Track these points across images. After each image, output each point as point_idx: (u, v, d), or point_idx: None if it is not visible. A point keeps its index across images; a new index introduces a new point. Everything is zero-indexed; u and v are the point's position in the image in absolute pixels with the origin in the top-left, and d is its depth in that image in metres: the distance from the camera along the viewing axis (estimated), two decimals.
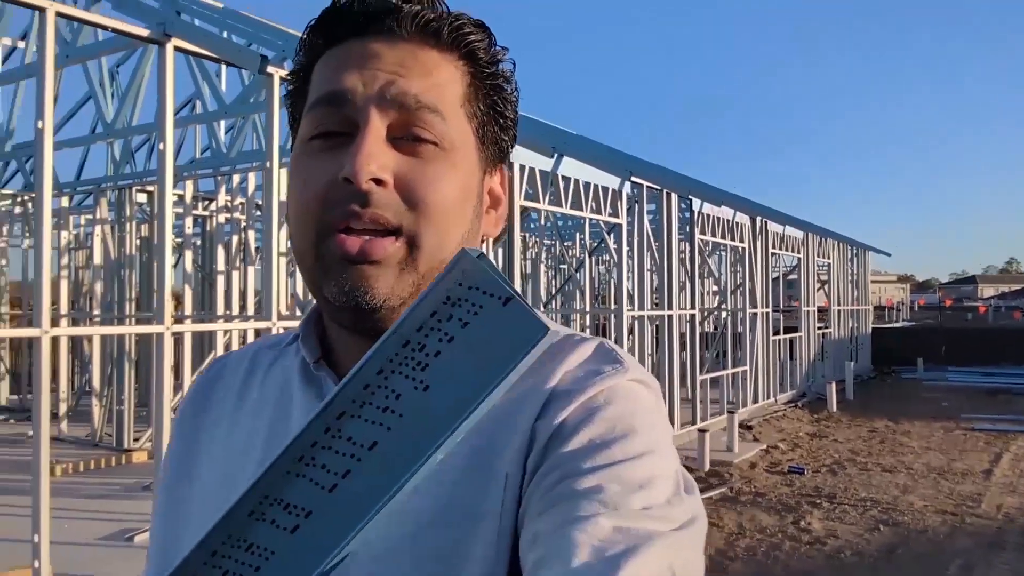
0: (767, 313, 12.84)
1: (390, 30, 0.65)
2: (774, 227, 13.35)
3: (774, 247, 13.51)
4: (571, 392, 0.62)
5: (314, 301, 0.71)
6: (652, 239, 9.69)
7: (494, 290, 0.48)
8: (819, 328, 16.11)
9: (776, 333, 13.71)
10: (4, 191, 10.47)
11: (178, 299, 10.41)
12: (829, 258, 16.87)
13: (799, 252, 14.94)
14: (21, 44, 8.57)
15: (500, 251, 7.65)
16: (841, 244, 17.92)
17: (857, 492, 7.47)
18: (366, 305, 0.63)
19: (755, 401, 12.21)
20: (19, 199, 10.67)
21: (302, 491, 0.48)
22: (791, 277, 16.46)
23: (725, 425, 9.47)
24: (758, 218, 12.57)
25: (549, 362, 0.64)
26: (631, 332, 9.49)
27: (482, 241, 0.74)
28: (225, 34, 6.56)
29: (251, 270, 8.64)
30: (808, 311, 15.11)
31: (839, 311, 17.59)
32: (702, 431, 8.54)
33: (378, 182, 0.62)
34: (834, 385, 13.27)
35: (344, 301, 0.63)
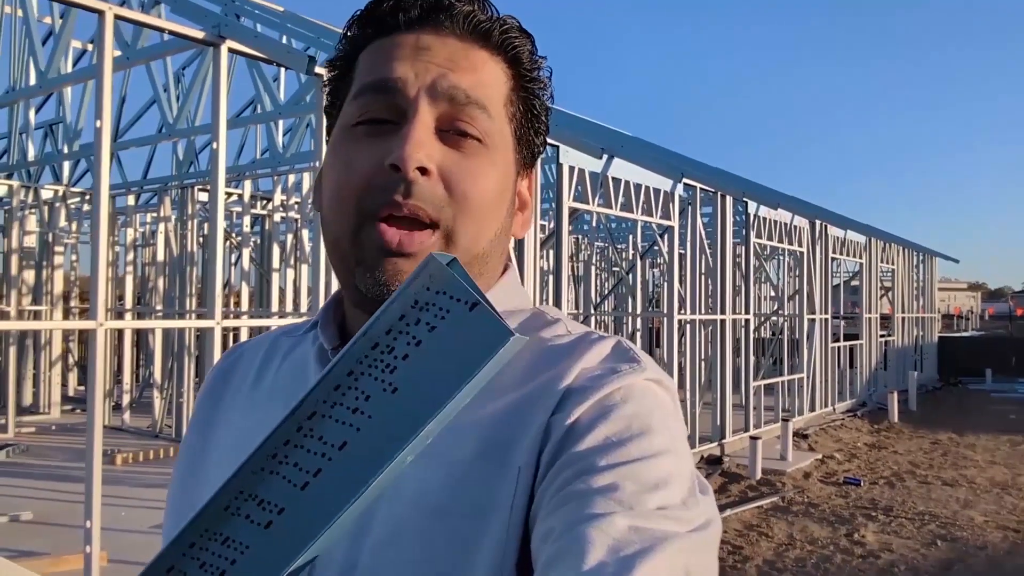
0: (826, 319, 12.53)
1: (441, 25, 0.66)
2: (834, 231, 13.03)
3: (834, 252, 13.18)
4: (587, 389, 0.61)
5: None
6: (706, 242, 9.55)
7: (461, 295, 0.48)
8: (882, 336, 15.67)
9: (836, 340, 13.38)
10: (74, 189, 10.88)
11: (237, 296, 10.69)
12: (893, 264, 16.39)
13: (861, 257, 14.55)
14: (91, 47, 8.93)
15: (550, 253, 7.65)
16: (906, 249, 17.40)
17: (915, 506, 7.24)
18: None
19: (812, 409, 11.93)
20: (88, 197, 11.08)
21: (275, 488, 0.49)
22: (854, 283, 16.04)
23: (779, 433, 9.28)
24: (817, 222, 12.28)
25: (565, 359, 0.64)
26: (682, 336, 9.38)
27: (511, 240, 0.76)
28: (284, 38, 6.72)
29: (304, 267, 8.81)
30: (870, 318, 14.71)
31: (903, 319, 17.07)
32: (754, 438, 8.38)
33: (423, 171, 0.62)
34: (896, 395, 12.89)
35: (377, 293, 0.63)
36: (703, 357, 10.48)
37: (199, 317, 9.54)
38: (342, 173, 0.65)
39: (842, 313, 14.85)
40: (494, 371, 0.48)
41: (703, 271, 9.54)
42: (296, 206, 9.19)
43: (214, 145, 4.37)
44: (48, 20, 8.21)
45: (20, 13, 7.68)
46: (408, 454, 0.48)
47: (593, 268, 14.75)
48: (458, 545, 0.58)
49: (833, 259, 13.21)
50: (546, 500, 0.57)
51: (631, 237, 13.04)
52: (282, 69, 8.34)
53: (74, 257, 12.31)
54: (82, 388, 12.53)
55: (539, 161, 0.79)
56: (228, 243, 10.46)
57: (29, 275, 10.65)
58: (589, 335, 0.68)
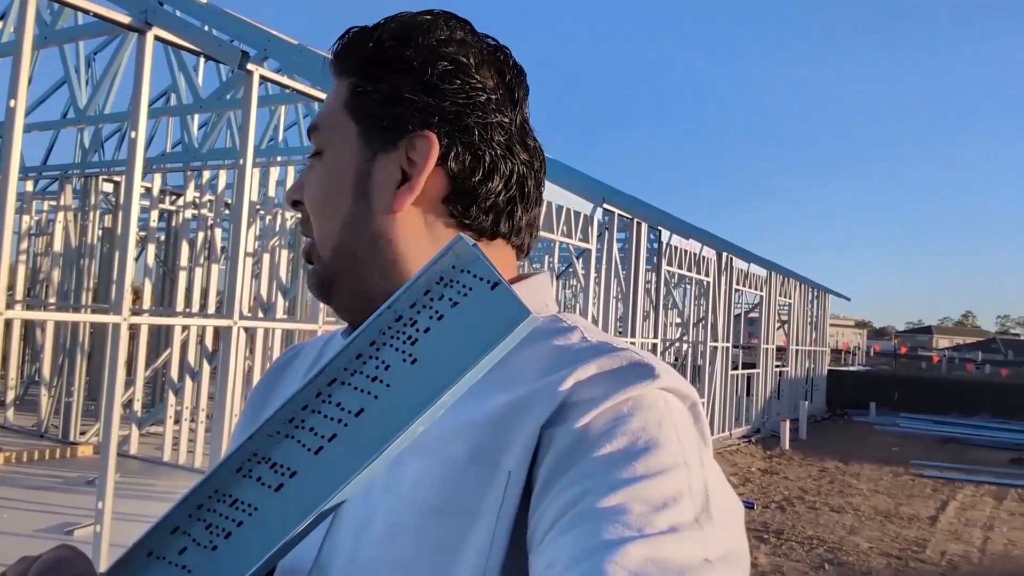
0: (727, 348, 13.00)
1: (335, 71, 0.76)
2: (739, 264, 13.57)
3: (738, 283, 13.72)
4: (593, 400, 0.59)
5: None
6: (620, 267, 9.79)
7: (484, 274, 0.51)
8: (777, 366, 16.35)
9: (735, 368, 13.89)
10: None
11: (137, 294, 10.24)
12: (790, 298, 17.15)
13: (762, 290, 15.18)
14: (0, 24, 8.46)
15: None
16: (803, 285, 18.24)
17: (804, 530, 7.56)
18: (314, 296, 0.76)
19: (711, 434, 12.31)
20: None
21: (289, 451, 0.50)
22: (752, 315, 16.71)
23: None
24: (724, 254, 12.77)
25: (570, 364, 0.62)
26: None
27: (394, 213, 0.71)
28: (207, 28, 6.53)
29: (214, 268, 8.55)
30: (767, 349, 15.33)
31: (797, 351, 17.86)
32: None
33: (297, 204, 0.75)
34: (788, 423, 13.45)
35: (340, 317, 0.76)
36: None
37: (95, 312, 9.10)
38: None
39: (742, 343, 15.42)
40: (509, 348, 0.50)
41: (615, 295, 9.75)
42: (210, 204, 8.92)
43: (132, 134, 4.21)
44: None
45: None
46: (421, 424, 0.50)
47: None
48: (447, 545, 0.59)
49: (736, 290, 13.74)
50: (548, 520, 0.55)
51: (547, 258, 13.23)
52: (201, 61, 8.10)
53: None
54: None
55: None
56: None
57: None
58: (604, 344, 0.65)
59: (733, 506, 0.58)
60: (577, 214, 8.24)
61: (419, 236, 0.70)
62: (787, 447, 12.96)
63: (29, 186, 10.50)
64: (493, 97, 0.71)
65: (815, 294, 19.70)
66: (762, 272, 15.04)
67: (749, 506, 8.31)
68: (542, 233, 7.69)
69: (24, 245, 10.74)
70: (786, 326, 17.51)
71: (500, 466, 0.59)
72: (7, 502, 5.54)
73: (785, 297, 16.84)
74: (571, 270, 9.53)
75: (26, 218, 10.68)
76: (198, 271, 9.59)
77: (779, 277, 16.09)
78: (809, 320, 19.18)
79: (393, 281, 0.68)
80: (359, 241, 0.70)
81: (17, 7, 3.64)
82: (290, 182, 8.99)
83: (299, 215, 0.76)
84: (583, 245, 8.52)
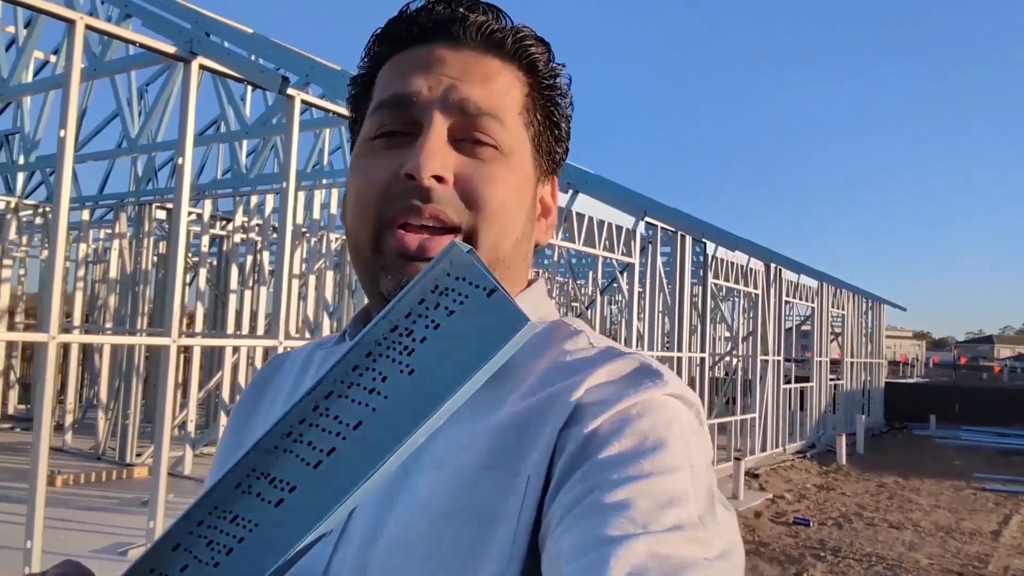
0: (778, 361, 12.76)
1: (455, 37, 0.68)
2: (789, 275, 13.33)
3: (788, 295, 13.47)
4: (604, 402, 0.60)
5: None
6: (665, 280, 9.70)
7: (480, 281, 0.49)
8: (831, 379, 15.98)
9: (788, 382, 13.60)
10: (27, 201, 10.62)
11: (191, 318, 10.48)
12: (844, 309, 16.78)
13: (813, 302, 14.88)
14: (53, 58, 8.79)
15: None
16: (856, 296, 17.84)
17: (862, 547, 7.34)
18: None
19: (763, 449, 12.08)
20: (41, 210, 10.82)
21: (288, 466, 0.49)
22: (805, 327, 16.36)
23: (731, 472, 9.37)
24: (772, 265, 12.56)
25: (583, 371, 0.63)
26: None
27: (535, 247, 0.76)
28: (253, 58, 6.70)
29: (263, 291, 8.71)
30: (820, 361, 15.00)
31: (852, 363, 17.44)
32: None
33: (439, 179, 0.64)
34: (844, 438, 13.12)
35: None
36: None
37: (149, 336, 9.32)
38: (361, 184, 0.67)
39: (794, 356, 15.12)
40: (508, 355, 0.49)
41: (661, 309, 9.65)
42: (257, 228, 9.10)
43: (179, 160, 4.32)
44: (11, 29, 8.08)
45: None
46: (421, 435, 0.49)
47: (553, 303, 14.83)
48: (464, 551, 0.58)
49: (786, 302, 13.49)
50: (558, 516, 0.56)
51: (591, 273, 13.19)
52: (248, 90, 8.31)
53: (22, 271, 11.97)
54: (22, 407, 12.10)
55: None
56: (185, 263, 10.27)
57: None
58: (611, 349, 0.67)
59: (730, 508, 0.60)
60: (619, 228, 8.19)
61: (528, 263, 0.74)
62: (844, 462, 12.63)
63: (86, 215, 10.85)
64: None
65: (869, 305, 19.24)
66: (813, 283, 14.75)
67: (804, 523, 8.10)
68: (584, 248, 7.66)
69: (82, 272, 11.08)
70: (840, 338, 17.12)
71: (519, 471, 0.59)
72: (64, 523, 5.68)
73: (838, 308, 16.48)
74: (615, 285, 9.47)
75: (83, 246, 11.01)
76: (247, 294, 9.77)
77: (831, 288, 15.76)
78: (864, 332, 18.73)
79: None
80: (516, 257, 0.70)
81: (67, 40, 3.76)
82: (335, 205, 9.13)
83: (431, 189, 0.64)
84: (626, 259, 8.47)
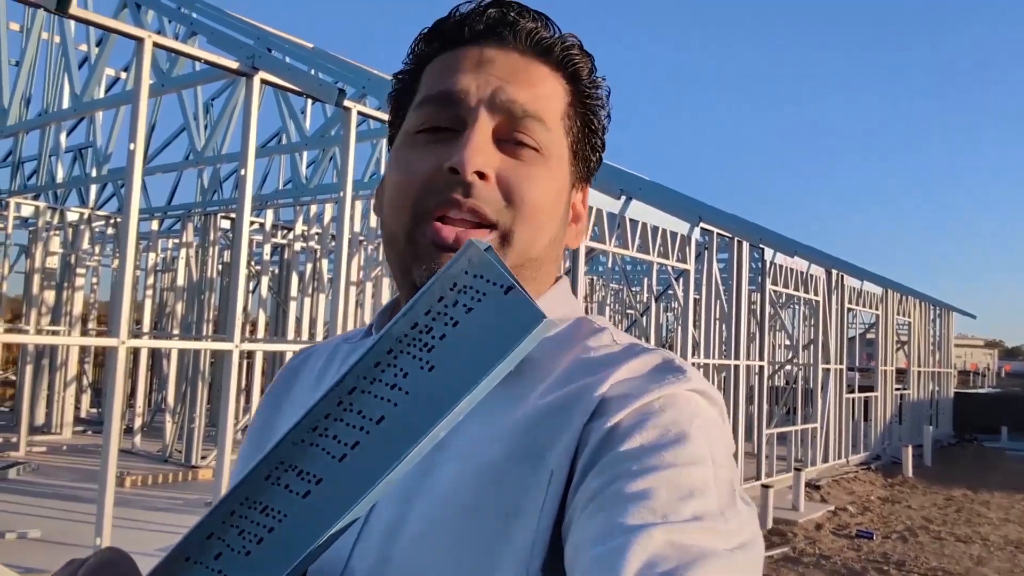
0: (841, 370, 12.43)
1: (505, 40, 0.69)
2: (851, 282, 12.99)
3: (851, 302, 13.12)
4: (627, 397, 0.61)
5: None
6: (722, 287, 9.56)
7: (497, 279, 0.51)
8: (897, 389, 15.50)
9: (851, 392, 13.24)
10: (100, 212, 11.05)
11: (253, 325, 10.76)
12: (910, 317, 16.27)
13: (877, 309, 14.47)
14: (123, 75, 9.15)
15: None
16: (923, 303, 17.29)
17: (928, 561, 7.10)
18: None
19: (825, 460, 11.77)
20: (113, 221, 11.24)
21: (315, 459, 0.51)
22: (869, 336, 15.92)
23: (791, 483, 9.16)
24: (833, 271, 12.26)
25: (607, 367, 0.64)
26: None
27: (565, 250, 0.78)
28: (313, 72, 6.87)
29: (322, 298, 8.89)
30: (885, 370, 14.57)
31: (919, 372, 16.90)
32: (765, 487, 8.28)
33: (481, 176, 0.65)
34: (910, 449, 12.71)
35: None
36: None
37: (213, 342, 9.59)
38: (402, 175, 0.68)
39: (857, 365, 14.72)
40: (525, 352, 0.50)
41: (717, 316, 9.51)
42: (316, 236, 9.30)
43: (242, 171, 4.46)
44: (84, 47, 8.44)
45: (57, 39, 7.91)
46: (441, 430, 0.50)
47: (608, 309, 14.75)
48: (487, 545, 0.58)
49: (849, 310, 13.14)
50: (580, 506, 0.57)
51: (646, 280, 13.09)
52: (308, 103, 8.51)
53: (95, 280, 12.45)
54: (94, 410, 12.57)
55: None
56: (248, 271, 10.55)
57: (49, 296, 10.77)
58: (635, 346, 0.68)
59: (751, 504, 0.60)
60: (674, 234, 8.11)
61: (558, 264, 0.76)
62: (910, 474, 12.23)
63: (155, 225, 11.24)
64: None
65: (937, 312, 18.61)
66: (877, 290, 14.34)
67: (868, 536, 7.87)
68: (638, 255, 7.61)
69: (151, 280, 11.47)
70: (906, 347, 16.61)
71: (542, 466, 0.60)
72: (132, 523, 5.87)
73: (904, 316, 15.98)
74: (671, 292, 9.37)
75: (152, 255, 11.40)
76: (307, 301, 9.98)
77: (896, 295, 15.30)
78: (932, 340, 18.12)
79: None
80: (547, 258, 0.72)
81: (135, 56, 3.92)
82: None
83: (473, 184, 0.65)
84: (681, 266, 8.37)
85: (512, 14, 0.70)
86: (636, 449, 0.57)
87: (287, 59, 6.26)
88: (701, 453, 0.58)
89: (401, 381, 0.51)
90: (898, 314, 15.49)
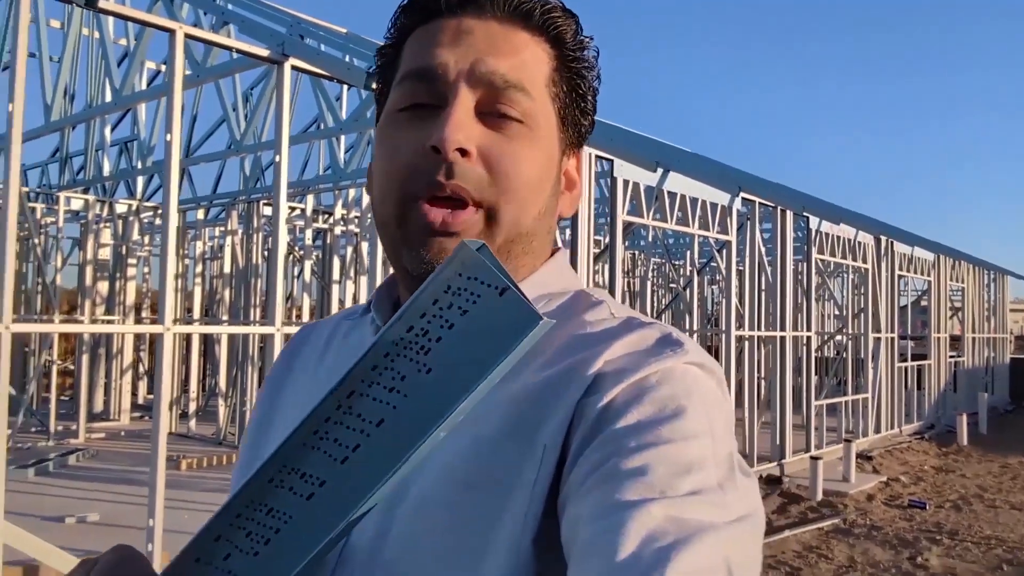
0: (892, 338, 12.17)
1: (482, 8, 0.67)
2: (901, 248, 12.66)
3: (901, 269, 12.81)
4: (623, 371, 0.60)
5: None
6: (766, 258, 9.40)
7: (491, 280, 0.50)
8: (951, 357, 15.13)
9: (903, 360, 12.97)
10: (147, 204, 11.30)
11: (299, 309, 10.93)
12: (963, 283, 15.84)
13: (929, 275, 14.11)
14: (163, 68, 9.30)
15: (604, 267, 7.62)
16: (977, 268, 16.80)
17: (982, 529, 6.96)
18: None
19: (877, 431, 11.58)
20: (160, 211, 11.47)
21: (317, 462, 0.52)
22: (923, 303, 15.53)
23: (842, 454, 9.04)
24: (883, 238, 11.96)
25: (603, 341, 0.63)
26: (740, 353, 9.23)
27: (559, 219, 0.76)
28: (348, 57, 6.89)
29: (363, 279, 8.99)
30: (939, 338, 14.23)
31: (973, 339, 16.47)
32: (815, 459, 8.18)
33: (464, 153, 0.63)
34: (965, 417, 12.42)
35: (422, 271, 0.63)
36: (762, 375, 10.30)
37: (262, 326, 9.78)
38: (387, 158, 0.67)
39: (910, 333, 14.38)
40: (522, 353, 0.50)
41: (763, 287, 9.37)
42: (356, 220, 9.39)
43: (276, 158, 4.51)
44: (123, 41, 8.59)
45: (96, 35, 8.06)
46: (442, 431, 0.50)
47: (649, 284, 14.63)
48: (481, 518, 0.59)
49: (900, 277, 12.83)
50: (577, 482, 0.57)
51: (688, 253, 12.94)
52: (344, 88, 8.55)
53: (146, 269, 12.76)
54: (151, 396, 12.95)
55: (586, 146, 0.79)
56: (291, 256, 10.72)
57: (103, 286, 11.08)
58: (632, 320, 0.67)
59: (750, 475, 0.60)
60: (714, 205, 7.98)
61: (552, 235, 0.75)
62: (964, 443, 11.96)
63: (201, 214, 11.45)
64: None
65: (992, 277, 18.08)
66: (929, 256, 13.97)
67: (920, 506, 7.74)
68: (678, 227, 7.52)
69: (200, 268, 11.72)
70: (960, 313, 16.18)
71: (536, 441, 0.60)
72: (188, 504, 6.05)
73: (957, 282, 15.56)
74: (713, 264, 9.25)
75: (199, 243, 11.64)
76: (349, 284, 10.10)
77: (948, 260, 14.89)
78: (986, 305, 17.62)
79: (523, 274, 0.70)
80: (541, 233, 0.71)
81: (168, 48, 3.98)
82: None
83: (455, 163, 0.63)
84: (723, 237, 8.25)
85: None
86: (633, 425, 0.57)
87: (321, 45, 6.29)
88: (699, 427, 0.58)
89: (399, 384, 0.51)
90: (951, 280, 15.08)
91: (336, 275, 9.92)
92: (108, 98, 6.80)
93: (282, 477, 0.53)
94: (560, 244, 0.80)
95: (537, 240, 0.70)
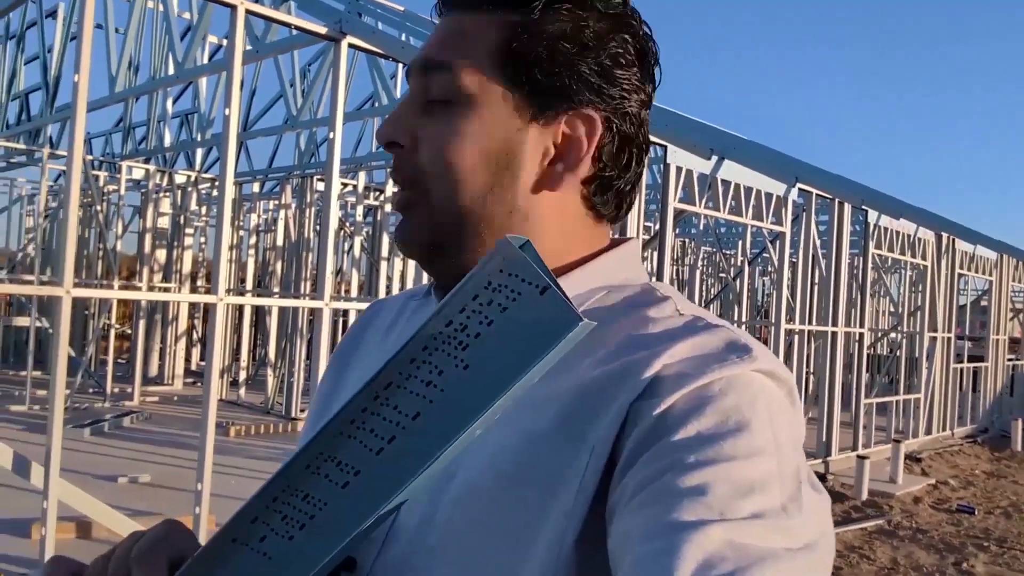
0: (948, 338, 11.84)
1: (449, 6, 0.69)
2: (962, 246, 12.26)
3: (962, 268, 12.42)
4: (684, 376, 0.58)
5: None
6: (820, 251, 9.21)
7: (532, 278, 0.50)
8: (1010, 360, 14.66)
9: (960, 361, 12.61)
10: (205, 175, 11.53)
11: (348, 284, 11.09)
12: None
13: (991, 275, 13.66)
14: (225, 42, 9.45)
15: (653, 254, 7.55)
16: None
17: None
18: (401, 249, 0.71)
19: (928, 432, 11.30)
20: (218, 183, 11.71)
21: (353, 451, 0.52)
22: (984, 303, 15.05)
23: (889, 455, 8.86)
24: (943, 234, 11.59)
25: (664, 342, 0.61)
26: (789, 346, 9.08)
27: (550, 193, 0.69)
28: (404, 36, 6.90)
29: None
30: (997, 339, 13.79)
31: None
32: (862, 458, 8.02)
33: (396, 145, 0.67)
34: (1021, 423, 12.04)
35: (402, 252, 0.71)
36: (811, 370, 10.12)
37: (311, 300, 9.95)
38: None
39: (967, 334, 13.96)
40: (561, 354, 0.49)
41: (816, 281, 9.18)
42: None
43: (331, 135, 4.56)
44: (187, 15, 8.74)
45: (160, 8, 8.22)
46: (477, 428, 0.50)
47: (699, 273, 14.45)
48: (525, 514, 0.58)
49: (960, 275, 12.45)
50: (628, 493, 0.55)
51: (740, 243, 12.73)
52: (399, 67, 8.58)
53: (203, 239, 13.06)
54: (204, 363, 13.29)
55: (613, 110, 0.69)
56: (341, 232, 10.84)
57: (161, 254, 11.39)
58: (698, 320, 0.64)
59: (822, 495, 0.57)
60: (769, 195, 7.82)
61: (554, 217, 0.68)
62: (1019, 448, 11.62)
63: (256, 187, 11.66)
64: (647, 90, 0.70)
65: None
66: (991, 255, 13.51)
67: (969, 511, 7.55)
68: (731, 217, 7.40)
69: (253, 240, 11.94)
70: (1021, 315, 15.65)
71: (585, 439, 0.58)
72: (236, 470, 6.21)
73: (1020, 283, 15.04)
74: (765, 255, 9.09)
75: (254, 216, 11.85)
76: (397, 262, 10.20)
77: (1012, 260, 14.38)
78: None
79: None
80: (494, 214, 0.66)
81: (229, 23, 4.04)
82: None
83: (392, 154, 0.68)
84: (777, 228, 8.09)
85: None
86: (692, 438, 0.55)
87: (378, 23, 6.31)
88: (763, 443, 0.55)
89: (436, 378, 0.51)
90: (1014, 280, 14.58)
91: (385, 252, 10.01)
92: (171, 71, 6.95)
93: (319, 464, 0.53)
94: (634, 236, 0.77)
95: (497, 222, 0.66)
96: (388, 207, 9.74)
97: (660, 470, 0.54)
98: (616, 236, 0.74)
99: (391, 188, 9.56)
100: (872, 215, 9.55)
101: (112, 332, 10.62)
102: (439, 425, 0.51)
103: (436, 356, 0.52)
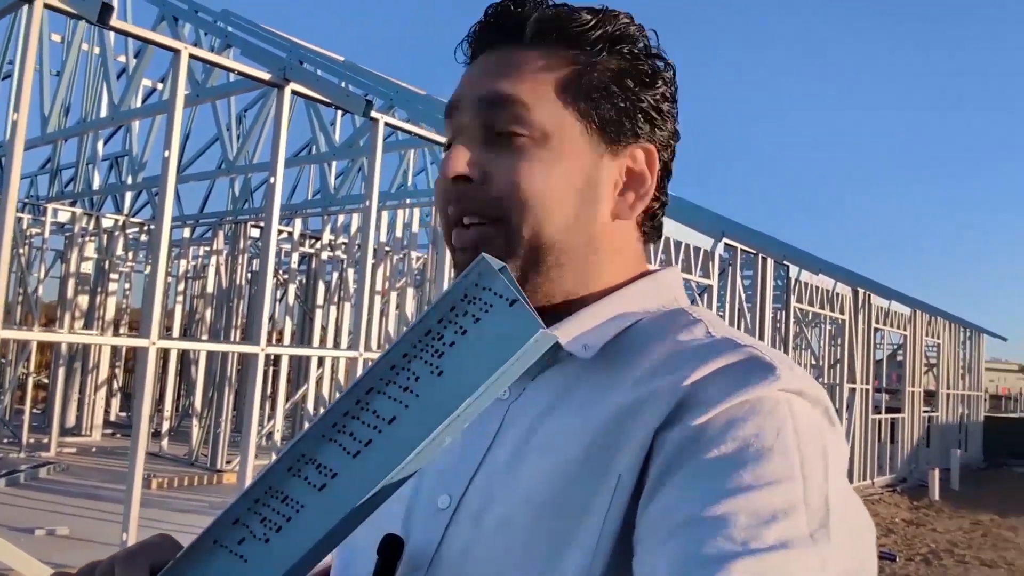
0: (867, 390, 12.28)
1: (494, 42, 0.71)
2: (878, 301, 12.84)
3: (878, 322, 12.98)
4: (707, 402, 0.57)
5: None
6: (746, 304, 9.51)
7: (503, 292, 0.55)
8: (925, 411, 15.26)
9: (878, 412, 13.07)
10: (134, 219, 11.27)
11: (280, 333, 10.89)
12: (939, 338, 16.04)
13: (905, 330, 14.29)
14: (159, 85, 9.36)
15: None
16: (953, 325, 17.03)
17: None
18: None
19: (849, 482, 11.59)
20: (146, 228, 11.45)
21: (332, 454, 0.55)
22: (899, 358, 15.69)
23: None
24: (860, 290, 12.14)
25: (689, 364, 0.60)
26: None
27: (620, 221, 0.73)
28: (344, 84, 6.99)
29: (347, 306, 9.00)
30: (913, 392, 14.36)
31: (948, 395, 16.63)
32: None
33: (464, 178, 0.67)
34: (937, 472, 12.50)
35: None
36: None
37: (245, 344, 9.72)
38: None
39: (884, 386, 14.51)
40: (525, 363, 0.54)
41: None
42: (343, 246, 9.43)
43: (271, 180, 4.56)
44: (122, 58, 8.65)
45: (97, 50, 8.12)
46: (447, 436, 0.54)
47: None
48: (554, 543, 0.58)
49: (876, 330, 12.99)
50: (652, 523, 0.54)
51: None
52: (338, 115, 8.64)
53: (127, 286, 12.68)
54: (123, 414, 12.76)
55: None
56: (275, 279, 10.69)
57: (83, 300, 10.99)
58: (726, 341, 0.63)
59: (863, 523, 0.56)
60: (697, 249, 8.09)
61: (622, 243, 0.72)
62: (936, 497, 12.02)
63: (187, 232, 11.43)
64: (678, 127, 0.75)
65: (968, 334, 18.32)
66: (905, 310, 14.16)
67: (890, 558, 7.77)
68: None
69: (181, 287, 11.66)
70: (935, 369, 16.36)
71: (611, 468, 0.58)
72: (158, 523, 5.95)
73: (933, 337, 15.76)
74: None
75: (183, 262, 11.59)
76: (332, 310, 10.10)
77: (924, 316, 15.10)
78: (961, 362, 17.83)
79: (588, 286, 0.69)
80: (575, 244, 0.68)
81: (172, 67, 4.04)
82: (417, 225, 9.37)
83: (457, 188, 0.68)
84: (704, 281, 8.35)
85: (497, 19, 0.71)
86: (714, 465, 0.54)
87: (318, 71, 6.39)
88: (787, 470, 0.53)
89: (413, 384, 0.55)
90: (927, 335, 15.28)
91: (320, 300, 9.91)
92: (104, 113, 6.85)
93: (300, 466, 0.55)
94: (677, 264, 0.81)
95: (572, 253, 0.68)
96: (324, 255, 9.66)
97: (682, 500, 0.53)
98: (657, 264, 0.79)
99: (327, 236, 9.51)
100: (793, 270, 9.94)
101: (30, 381, 10.15)
102: (413, 429, 0.54)
103: (415, 363, 0.55)
